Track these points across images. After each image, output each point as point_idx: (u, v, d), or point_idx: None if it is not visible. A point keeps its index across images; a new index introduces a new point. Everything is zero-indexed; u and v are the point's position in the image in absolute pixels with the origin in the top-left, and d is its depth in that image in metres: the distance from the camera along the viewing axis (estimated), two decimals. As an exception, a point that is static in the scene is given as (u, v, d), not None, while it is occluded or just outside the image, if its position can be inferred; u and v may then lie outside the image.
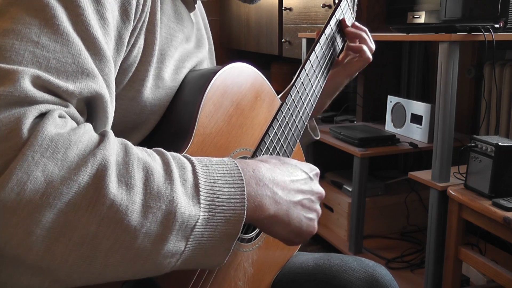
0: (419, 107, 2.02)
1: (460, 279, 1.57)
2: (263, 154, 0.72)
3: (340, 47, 0.96)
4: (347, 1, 0.98)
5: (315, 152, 2.33)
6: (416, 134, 2.04)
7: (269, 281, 0.80)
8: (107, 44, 0.53)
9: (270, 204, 0.57)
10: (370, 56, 0.96)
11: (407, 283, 1.80)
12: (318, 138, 1.01)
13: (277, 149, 0.75)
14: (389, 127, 2.21)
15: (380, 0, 2.16)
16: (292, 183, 0.61)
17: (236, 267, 0.70)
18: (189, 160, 0.52)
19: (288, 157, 0.78)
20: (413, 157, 2.45)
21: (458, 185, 1.52)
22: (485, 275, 1.68)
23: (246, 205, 0.53)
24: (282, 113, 0.76)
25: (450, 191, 1.48)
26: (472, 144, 1.44)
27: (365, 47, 0.95)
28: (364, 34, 0.96)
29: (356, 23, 0.98)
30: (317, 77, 0.86)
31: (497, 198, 1.34)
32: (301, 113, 0.81)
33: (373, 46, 0.97)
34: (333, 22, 0.93)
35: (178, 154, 0.52)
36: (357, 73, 0.99)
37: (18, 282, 0.43)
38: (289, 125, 0.78)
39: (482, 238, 1.80)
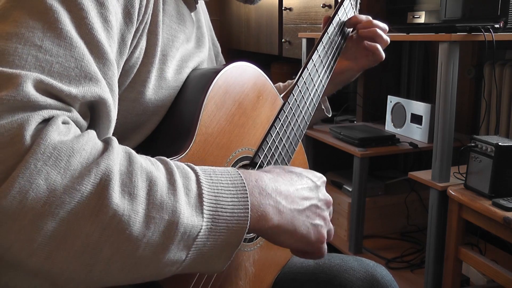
0: (419, 107, 2.02)
1: (460, 279, 1.57)
2: (265, 153, 0.72)
3: (343, 46, 0.96)
4: (350, 0, 0.98)
5: (315, 152, 2.33)
6: (416, 134, 2.05)
7: (270, 281, 0.80)
8: (111, 47, 0.53)
9: (274, 213, 0.56)
10: (383, 55, 0.96)
11: (407, 283, 1.80)
12: (330, 115, 1.02)
13: (279, 149, 0.75)
14: (389, 127, 2.21)
15: (380, 0, 2.16)
16: (297, 191, 0.61)
17: (237, 266, 0.70)
18: (193, 169, 0.52)
19: (291, 156, 0.78)
20: (413, 157, 2.45)
21: (458, 185, 1.52)
22: (485, 275, 1.68)
23: (249, 215, 0.52)
24: (285, 112, 0.76)
25: (450, 191, 1.48)
26: (472, 144, 1.44)
27: (379, 47, 0.95)
28: (379, 32, 0.95)
29: (365, 19, 0.97)
30: (319, 76, 0.86)
31: (497, 198, 1.34)
32: (303, 112, 0.81)
33: (387, 39, 0.96)
34: (335, 21, 0.93)
35: (182, 164, 0.52)
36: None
37: (19, 284, 0.43)
38: (291, 125, 0.78)
39: (482, 238, 1.80)
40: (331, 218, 0.65)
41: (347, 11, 0.96)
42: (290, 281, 0.83)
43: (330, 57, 0.89)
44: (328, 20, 0.92)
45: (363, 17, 0.96)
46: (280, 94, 0.78)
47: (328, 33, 0.90)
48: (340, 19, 0.94)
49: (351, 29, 0.97)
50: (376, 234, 2.16)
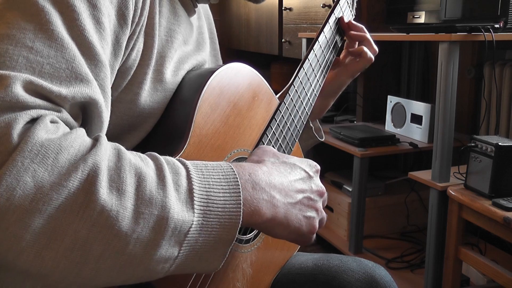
0: (419, 107, 2.02)
1: (460, 279, 1.57)
2: None
3: (340, 46, 0.96)
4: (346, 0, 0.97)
5: (315, 152, 2.33)
6: (416, 134, 2.04)
7: (268, 282, 0.79)
8: (103, 49, 0.52)
9: (267, 208, 0.56)
10: (372, 57, 0.94)
11: (407, 283, 1.80)
12: (322, 139, 1.01)
13: (276, 149, 0.75)
14: (389, 127, 2.20)
15: (380, 0, 2.15)
16: (290, 183, 0.61)
17: (234, 268, 0.70)
18: (183, 164, 0.52)
19: None
20: (413, 157, 2.45)
21: (458, 185, 1.51)
22: (485, 275, 1.68)
23: (242, 210, 0.52)
24: (281, 113, 0.76)
25: (450, 191, 1.48)
26: (472, 144, 1.44)
27: (365, 49, 0.93)
28: (367, 36, 0.94)
29: (357, 24, 0.97)
30: (316, 76, 0.85)
31: (497, 198, 1.34)
32: (299, 113, 0.80)
33: (376, 48, 0.96)
34: (332, 20, 0.92)
35: (172, 159, 0.52)
36: (359, 72, 0.98)
37: (10, 287, 0.43)
38: (288, 125, 0.77)
39: (482, 238, 1.80)
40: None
41: (343, 10, 0.95)
42: (289, 282, 0.83)
43: (326, 57, 0.89)
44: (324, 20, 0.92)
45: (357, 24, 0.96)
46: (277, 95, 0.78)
47: (324, 32, 0.89)
48: (336, 18, 0.93)
49: (344, 32, 0.97)
50: (376, 234, 2.15)
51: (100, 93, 0.51)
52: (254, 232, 0.73)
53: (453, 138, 1.57)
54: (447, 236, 1.54)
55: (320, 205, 0.64)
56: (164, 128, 0.65)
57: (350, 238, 2.04)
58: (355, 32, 0.94)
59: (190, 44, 0.73)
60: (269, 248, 0.77)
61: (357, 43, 0.96)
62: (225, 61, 0.70)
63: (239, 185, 0.53)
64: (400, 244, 2.10)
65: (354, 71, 0.96)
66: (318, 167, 0.67)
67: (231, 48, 3.35)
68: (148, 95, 0.63)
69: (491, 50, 1.51)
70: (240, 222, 0.52)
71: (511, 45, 1.80)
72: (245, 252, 0.72)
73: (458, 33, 1.51)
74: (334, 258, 0.85)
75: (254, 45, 3.04)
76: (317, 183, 0.65)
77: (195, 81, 0.66)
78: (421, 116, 2.00)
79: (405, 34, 1.78)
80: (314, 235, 0.63)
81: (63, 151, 0.43)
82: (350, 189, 2.09)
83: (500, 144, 1.35)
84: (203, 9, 0.83)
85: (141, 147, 0.64)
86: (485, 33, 1.50)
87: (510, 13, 1.61)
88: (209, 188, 0.51)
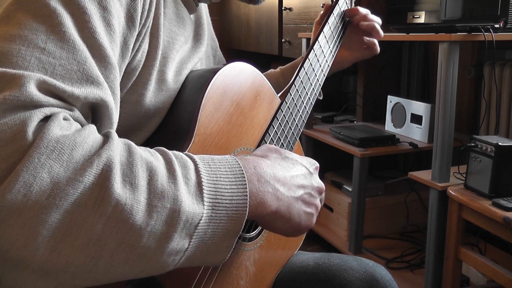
0: (419, 107, 2.02)
1: (460, 279, 1.57)
2: None
3: (339, 45, 0.96)
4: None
5: (315, 152, 2.33)
6: (416, 134, 2.05)
7: (270, 280, 0.80)
8: (113, 51, 0.53)
9: (272, 200, 0.57)
10: (379, 49, 1.02)
11: (407, 283, 1.80)
12: (321, 98, 1.05)
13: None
14: (389, 127, 2.21)
15: (380, 0, 2.16)
16: (292, 178, 0.62)
17: (238, 266, 0.70)
18: (191, 158, 0.52)
19: None
20: (413, 157, 2.45)
21: (458, 185, 1.52)
22: (485, 275, 1.68)
23: (248, 202, 0.53)
24: (282, 112, 0.76)
25: (450, 191, 1.48)
26: (472, 144, 1.44)
27: (376, 41, 1.00)
28: (377, 26, 1.00)
29: (370, 16, 1.00)
30: (316, 75, 0.86)
31: (497, 198, 1.34)
32: (300, 111, 0.81)
33: (382, 35, 1.02)
34: (331, 20, 0.92)
35: (180, 153, 0.53)
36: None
37: (23, 287, 0.43)
38: (289, 124, 0.78)
39: (482, 238, 1.80)
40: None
41: (342, 9, 0.96)
42: (290, 280, 0.83)
43: (326, 56, 0.89)
44: (321, 25, 0.92)
45: (363, 10, 0.99)
46: (278, 87, 0.78)
47: (324, 32, 0.90)
48: (335, 17, 0.94)
49: (343, 32, 0.98)
50: (376, 234, 2.16)
51: (110, 95, 0.52)
52: (257, 230, 0.73)
53: (453, 138, 1.57)
54: (447, 236, 1.54)
55: (318, 202, 0.66)
56: (169, 127, 0.66)
57: (350, 238, 2.05)
58: (365, 23, 0.99)
59: (189, 42, 0.74)
60: (271, 247, 0.78)
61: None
62: (226, 61, 0.70)
63: (245, 178, 0.54)
64: (400, 244, 2.11)
65: (359, 58, 1.05)
66: (317, 164, 0.69)
67: (231, 48, 3.35)
68: (152, 95, 0.63)
69: (491, 50, 1.51)
70: (247, 214, 0.53)
71: (511, 45, 1.80)
72: (248, 250, 0.72)
73: (458, 33, 1.51)
74: (335, 257, 0.86)
75: (254, 45, 3.05)
76: (317, 180, 0.66)
77: (199, 80, 0.66)
78: (421, 116, 2.01)
79: (405, 34, 1.78)
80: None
81: (77, 146, 0.44)
82: (350, 189, 2.09)
83: (500, 144, 1.35)
84: (202, 5, 0.83)
85: (146, 146, 0.64)
86: (485, 33, 1.50)
87: (510, 13, 1.61)
88: (217, 181, 0.52)
